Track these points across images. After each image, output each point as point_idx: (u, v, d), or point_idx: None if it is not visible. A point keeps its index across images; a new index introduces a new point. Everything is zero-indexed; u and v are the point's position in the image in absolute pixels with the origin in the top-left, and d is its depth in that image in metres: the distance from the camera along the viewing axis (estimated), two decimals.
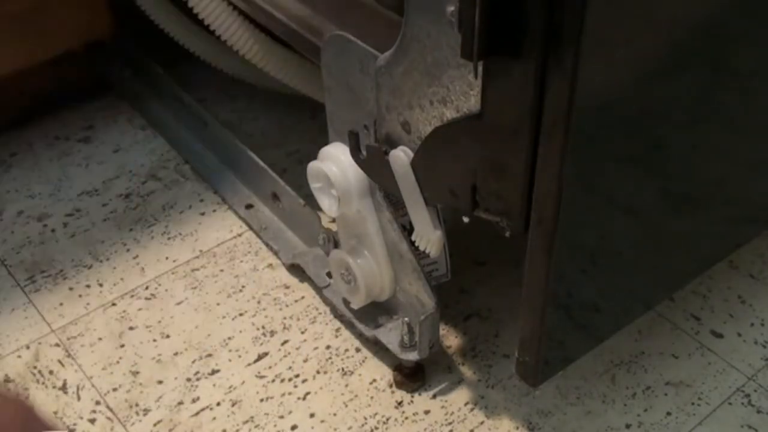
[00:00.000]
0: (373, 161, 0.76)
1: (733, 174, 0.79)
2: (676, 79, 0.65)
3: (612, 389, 0.89)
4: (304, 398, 0.89)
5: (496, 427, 0.86)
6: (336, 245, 0.92)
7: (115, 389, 0.90)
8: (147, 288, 1.01)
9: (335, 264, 0.89)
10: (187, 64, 1.21)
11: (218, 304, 0.99)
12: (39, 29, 1.14)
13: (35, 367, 0.92)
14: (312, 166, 0.83)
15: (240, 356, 0.93)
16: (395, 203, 0.80)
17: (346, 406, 0.88)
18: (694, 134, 0.71)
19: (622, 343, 0.93)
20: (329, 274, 0.95)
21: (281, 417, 0.87)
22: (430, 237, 0.76)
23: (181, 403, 0.89)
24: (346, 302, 0.92)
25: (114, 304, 0.99)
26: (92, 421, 0.87)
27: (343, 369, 0.92)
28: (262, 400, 0.89)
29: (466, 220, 0.70)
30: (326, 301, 0.97)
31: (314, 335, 0.95)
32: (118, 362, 0.93)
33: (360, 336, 0.93)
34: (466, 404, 0.88)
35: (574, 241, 0.65)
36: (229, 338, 0.95)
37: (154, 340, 0.95)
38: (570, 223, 0.62)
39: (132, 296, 1.00)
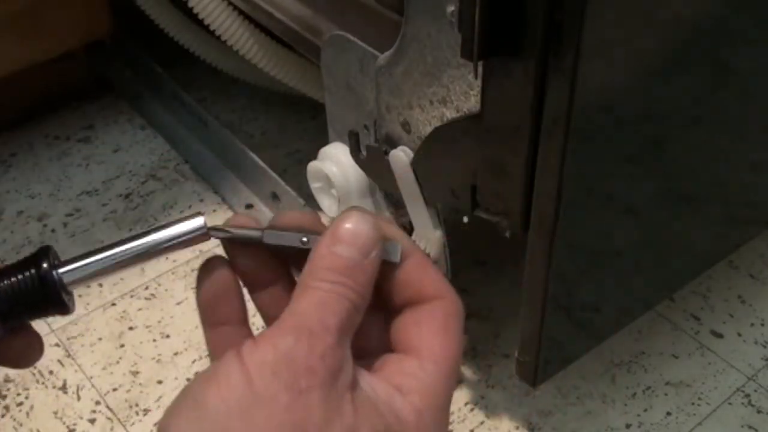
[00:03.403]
0: (373, 161, 0.76)
1: (733, 174, 0.79)
2: (676, 79, 0.65)
3: (612, 389, 0.89)
4: None
5: (496, 427, 0.86)
6: None
7: (115, 389, 0.90)
8: (147, 288, 1.01)
9: None
10: (187, 64, 1.21)
11: None
12: (39, 29, 1.14)
13: (35, 367, 0.92)
14: (312, 166, 0.83)
15: None
16: (395, 203, 0.80)
17: None
18: (694, 134, 0.71)
19: (622, 343, 0.93)
20: None
21: None
22: (430, 237, 0.76)
23: None
24: None
25: (114, 304, 0.99)
26: (92, 421, 0.87)
27: None
28: None
29: (466, 220, 0.70)
30: None
31: None
32: (118, 362, 0.93)
33: None
34: (466, 404, 0.88)
35: (573, 241, 0.65)
36: None
37: (154, 340, 0.95)
38: (570, 223, 0.62)
39: (132, 296, 1.00)
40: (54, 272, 0.37)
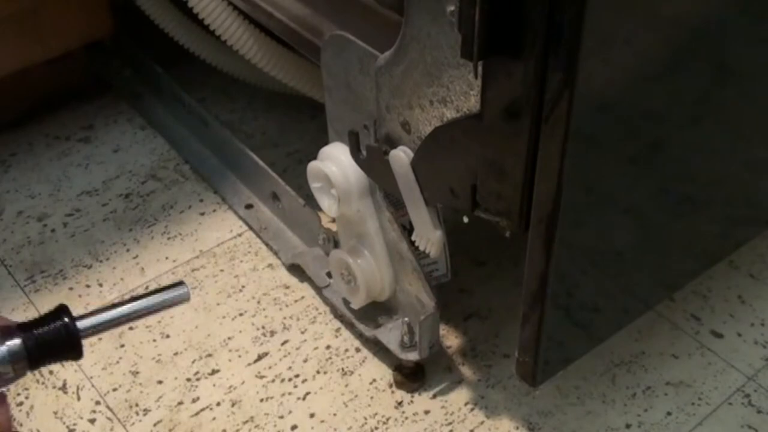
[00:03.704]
0: (373, 161, 0.76)
1: (733, 174, 0.79)
2: (676, 79, 0.65)
3: (612, 389, 0.89)
4: (304, 398, 0.89)
5: (496, 427, 0.86)
6: (336, 245, 0.92)
7: (115, 389, 0.90)
8: (147, 288, 1.01)
9: (335, 264, 0.89)
10: (187, 64, 1.21)
11: (218, 304, 0.99)
12: (39, 29, 1.14)
13: None
14: (312, 166, 0.83)
15: (240, 356, 0.93)
16: (395, 203, 0.80)
17: (346, 406, 0.88)
18: (694, 134, 0.71)
19: (622, 343, 0.93)
20: (329, 274, 0.95)
21: (281, 417, 0.87)
22: (430, 237, 0.76)
23: (181, 403, 0.89)
24: (346, 302, 0.92)
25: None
26: (92, 421, 0.87)
27: (343, 369, 0.92)
28: (262, 400, 0.89)
29: (466, 220, 0.70)
30: (326, 301, 0.97)
31: (314, 335, 0.95)
32: (118, 362, 0.93)
33: (360, 336, 0.93)
34: (466, 404, 0.88)
35: (574, 241, 0.65)
36: (229, 338, 0.95)
37: (154, 340, 0.95)
38: (570, 223, 0.62)
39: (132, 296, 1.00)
40: (75, 324, 0.46)
